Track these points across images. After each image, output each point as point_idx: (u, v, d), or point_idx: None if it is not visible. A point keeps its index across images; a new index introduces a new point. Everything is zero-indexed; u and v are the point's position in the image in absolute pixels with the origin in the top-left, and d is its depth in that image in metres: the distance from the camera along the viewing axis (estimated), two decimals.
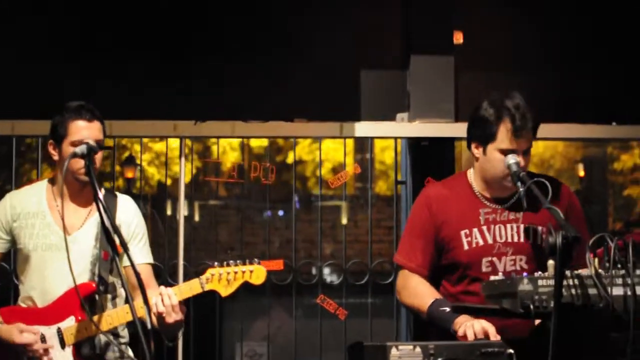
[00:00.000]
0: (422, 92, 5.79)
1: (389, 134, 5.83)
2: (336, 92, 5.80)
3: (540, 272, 3.28)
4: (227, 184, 7.22)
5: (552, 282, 3.20)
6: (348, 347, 3.67)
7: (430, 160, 5.72)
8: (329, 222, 10.08)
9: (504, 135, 3.81)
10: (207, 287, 4.00)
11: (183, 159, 5.67)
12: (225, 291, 4.02)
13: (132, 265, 3.54)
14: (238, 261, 4.04)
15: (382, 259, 6.07)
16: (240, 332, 6.06)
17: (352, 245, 7.29)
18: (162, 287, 3.95)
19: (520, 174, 3.72)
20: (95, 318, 4.00)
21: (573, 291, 3.22)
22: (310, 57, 5.80)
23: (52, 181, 4.26)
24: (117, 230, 3.52)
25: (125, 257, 4.15)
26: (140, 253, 4.21)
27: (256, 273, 4.03)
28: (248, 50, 5.75)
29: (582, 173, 11.21)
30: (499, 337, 3.52)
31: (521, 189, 3.68)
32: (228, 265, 4.02)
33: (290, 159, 7.28)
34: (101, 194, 3.62)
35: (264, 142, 6.63)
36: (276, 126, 5.69)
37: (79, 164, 4.00)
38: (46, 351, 4.01)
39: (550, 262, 3.27)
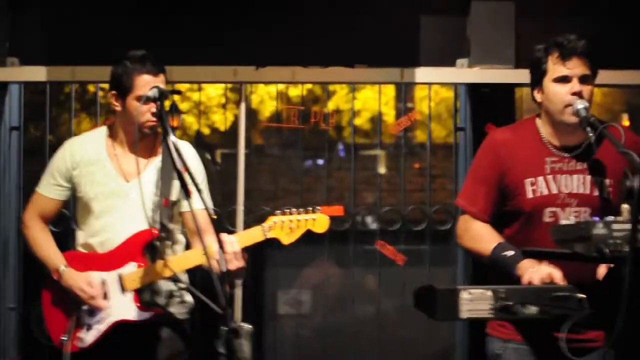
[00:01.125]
0: (482, 38, 5.71)
1: (449, 80, 5.78)
2: (396, 38, 5.75)
3: (612, 217, 3.25)
4: (264, 132, 7.24)
5: (626, 226, 3.16)
6: (415, 291, 3.67)
7: (490, 106, 5.67)
8: (371, 170, 10.12)
9: (553, 64, 3.78)
10: (270, 235, 4.01)
11: (243, 104, 5.67)
12: (287, 239, 4.03)
13: (197, 210, 3.49)
14: (300, 209, 4.04)
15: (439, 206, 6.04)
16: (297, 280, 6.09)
17: (394, 194, 7.28)
18: (224, 234, 3.95)
19: (590, 119, 3.67)
20: (157, 264, 4.05)
21: None
22: (370, 2, 5.75)
23: (110, 129, 4.28)
24: (190, 172, 3.52)
25: (184, 203, 4.20)
26: (198, 199, 4.22)
27: (319, 221, 4.04)
28: None
29: (626, 123, 11.06)
30: (564, 282, 3.51)
31: (591, 134, 3.64)
32: (290, 213, 4.02)
33: (328, 107, 7.26)
34: (170, 139, 3.61)
35: (302, 91, 6.62)
36: (336, 72, 5.64)
37: (146, 116, 4.03)
38: (106, 306, 4.09)
39: (625, 206, 3.23)
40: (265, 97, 5.88)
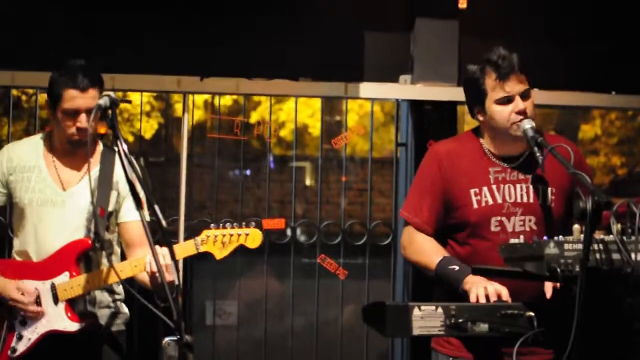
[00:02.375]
0: (426, 55, 5.79)
1: (392, 96, 5.82)
2: (340, 53, 5.79)
3: (562, 237, 3.29)
4: (196, 142, 7.20)
5: (578, 246, 3.22)
6: (364, 307, 3.69)
7: (432, 123, 5.73)
8: (300, 182, 10.13)
9: (492, 85, 3.81)
10: (202, 249, 3.98)
11: (187, 114, 5.64)
12: (219, 254, 4.00)
13: (143, 222, 3.45)
14: (235, 223, 4.02)
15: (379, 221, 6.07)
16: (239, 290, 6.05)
17: (325, 207, 7.30)
18: (157, 247, 3.91)
19: (538, 139, 3.71)
20: (91, 274, 4.00)
21: (598, 256, 3.24)
22: (316, 17, 5.78)
23: (48, 135, 4.22)
24: (143, 182, 3.47)
25: (121, 214, 4.16)
26: (135, 210, 4.15)
27: (252, 236, 4.00)
28: (254, 7, 5.71)
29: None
30: (510, 300, 3.55)
31: (538, 155, 3.67)
32: (224, 227, 3.99)
33: (253, 118, 7.25)
34: (122, 148, 3.54)
35: (229, 102, 6.60)
36: (280, 84, 5.66)
37: (71, 130, 4.00)
38: (39, 312, 4.01)
39: (576, 227, 3.28)
40: (190, 106, 5.84)
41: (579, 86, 5.89)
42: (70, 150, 4.09)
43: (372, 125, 5.91)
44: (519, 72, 3.82)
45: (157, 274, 3.72)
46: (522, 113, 3.79)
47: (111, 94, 3.54)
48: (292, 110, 5.81)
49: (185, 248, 3.99)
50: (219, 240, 3.97)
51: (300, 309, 6.15)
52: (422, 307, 3.39)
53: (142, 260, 3.91)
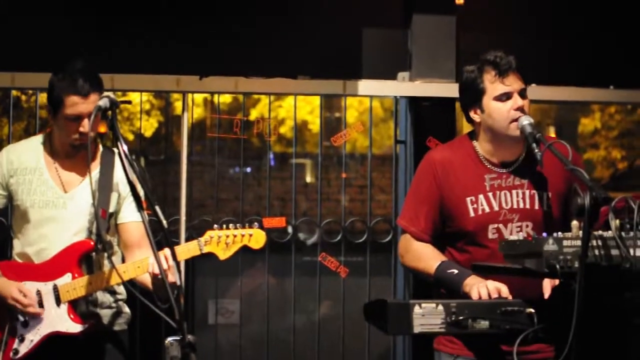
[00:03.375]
0: (424, 52, 5.80)
1: (390, 93, 5.83)
2: (338, 51, 5.79)
3: (561, 233, 3.30)
4: (196, 140, 7.20)
5: (576, 242, 3.22)
6: (365, 305, 3.69)
7: (430, 120, 5.73)
8: (300, 179, 10.12)
9: (491, 82, 3.81)
10: (206, 250, 3.98)
11: (187, 113, 5.65)
12: (223, 254, 3.99)
13: (144, 222, 3.44)
14: (238, 224, 4.02)
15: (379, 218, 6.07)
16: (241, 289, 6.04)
17: (326, 204, 7.31)
18: (165, 249, 3.89)
19: (536, 135, 3.71)
20: (93, 276, 4.01)
21: (597, 252, 3.25)
22: (313, 15, 5.79)
23: (47, 137, 4.21)
24: (144, 183, 3.46)
25: (121, 215, 4.16)
26: (135, 211, 4.10)
27: (255, 237, 4.01)
28: (252, 6, 5.72)
29: (553, 136, 11.27)
30: (510, 297, 3.55)
31: (537, 151, 3.67)
32: (228, 228, 3.99)
33: (252, 115, 7.24)
34: (122, 149, 3.54)
35: (228, 99, 6.60)
36: (279, 83, 5.66)
37: (73, 135, 4.01)
38: (40, 313, 4.01)
39: (575, 223, 3.28)
40: (190, 104, 5.85)
41: (577, 81, 5.88)
42: (71, 153, 4.10)
43: (370, 122, 5.91)
44: (517, 70, 3.82)
45: (160, 276, 3.73)
46: (521, 110, 3.79)
47: (111, 94, 3.52)
48: (292, 107, 5.82)
49: (188, 249, 3.99)
50: (223, 241, 3.97)
51: (302, 307, 6.17)
52: (423, 305, 3.40)
53: (145, 261, 3.92)
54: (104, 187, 4.09)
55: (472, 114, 3.91)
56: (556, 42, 5.89)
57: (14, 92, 5.83)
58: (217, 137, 5.78)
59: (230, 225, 4.00)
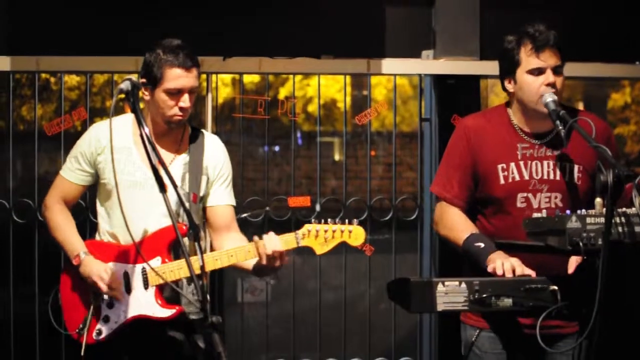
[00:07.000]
0: (448, 30, 5.77)
1: (415, 71, 5.80)
2: (362, 29, 5.79)
3: (584, 210, 3.31)
4: (223, 120, 7.20)
5: (600, 219, 3.24)
6: (389, 284, 3.72)
7: (455, 98, 5.72)
8: (326, 158, 10.09)
9: (527, 56, 3.83)
10: (303, 243, 3.92)
11: (210, 94, 5.67)
12: (320, 249, 3.93)
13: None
14: (337, 219, 3.94)
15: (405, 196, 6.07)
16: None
17: (354, 182, 7.31)
18: (270, 234, 3.89)
19: (560, 112, 3.72)
20: (183, 261, 3.82)
21: (620, 229, 3.25)
22: None
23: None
24: (165, 167, 3.44)
25: (209, 199, 4.13)
26: (224, 194, 4.15)
27: (355, 233, 3.92)
28: None
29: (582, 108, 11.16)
30: (533, 274, 3.56)
31: (560, 128, 3.68)
32: (326, 222, 3.94)
33: (281, 94, 7.24)
34: (145, 131, 3.49)
35: (256, 79, 6.59)
36: (303, 62, 5.65)
37: (173, 110, 3.95)
38: (125, 296, 3.96)
39: (598, 200, 3.29)
40: (219, 83, 5.85)
41: (603, 57, 5.84)
42: (161, 133, 4.02)
43: (395, 101, 5.90)
44: (554, 47, 3.83)
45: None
46: (552, 86, 3.80)
47: (132, 77, 3.54)
48: (321, 86, 5.81)
49: (286, 241, 3.90)
50: (321, 236, 3.90)
51: (329, 284, 6.19)
52: (446, 283, 3.42)
53: (252, 246, 3.89)
54: (194, 170, 4.05)
55: (506, 84, 3.96)
56: (581, 18, 5.85)
57: (42, 75, 5.82)
58: (241, 118, 5.79)
59: (329, 220, 3.94)
